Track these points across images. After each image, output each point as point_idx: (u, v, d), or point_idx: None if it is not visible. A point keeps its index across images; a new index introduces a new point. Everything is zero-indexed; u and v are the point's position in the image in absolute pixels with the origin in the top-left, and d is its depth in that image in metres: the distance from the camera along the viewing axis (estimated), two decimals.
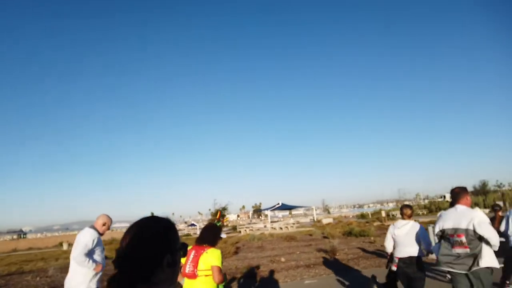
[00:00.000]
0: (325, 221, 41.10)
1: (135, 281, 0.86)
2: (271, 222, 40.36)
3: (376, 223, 29.61)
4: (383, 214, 31.21)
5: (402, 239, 4.43)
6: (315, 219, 44.66)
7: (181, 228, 56.98)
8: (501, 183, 54.41)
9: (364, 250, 12.48)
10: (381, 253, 10.99)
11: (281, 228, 33.94)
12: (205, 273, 2.92)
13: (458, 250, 3.54)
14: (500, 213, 6.60)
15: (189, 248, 2.92)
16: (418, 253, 4.36)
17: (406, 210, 4.70)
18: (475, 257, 3.45)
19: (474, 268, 3.43)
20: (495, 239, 3.40)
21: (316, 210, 67.56)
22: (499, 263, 3.72)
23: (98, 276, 3.95)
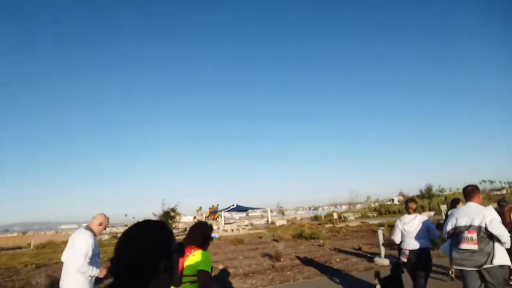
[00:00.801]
0: (279, 223, 40.70)
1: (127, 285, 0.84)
2: (225, 224, 38.98)
3: (328, 225, 29.64)
4: (335, 216, 31.18)
5: (411, 232, 4.54)
6: (269, 221, 44.14)
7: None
8: (443, 188, 58.48)
9: (311, 255, 11.67)
10: (329, 257, 10.36)
11: (232, 230, 32.82)
12: (190, 279, 2.52)
13: (465, 246, 3.57)
14: (506, 209, 6.42)
15: None
16: (426, 245, 4.52)
17: (411, 204, 4.80)
18: (488, 255, 3.47)
19: (486, 266, 3.47)
20: (506, 237, 3.42)
21: (272, 212, 67.45)
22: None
23: (93, 280, 3.71)
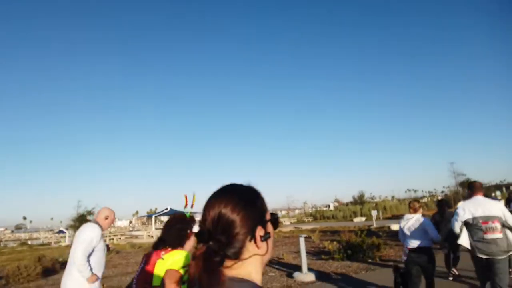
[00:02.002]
0: None
1: (225, 258, 0.75)
2: (157, 229, 36.72)
3: None
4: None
5: (409, 231, 4.55)
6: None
7: (48, 236, 48.42)
8: (373, 196, 61.72)
9: None
10: None
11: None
12: None
13: (491, 236, 3.70)
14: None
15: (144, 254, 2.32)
16: (426, 243, 4.48)
17: (413, 204, 4.85)
18: (508, 243, 3.69)
19: (509, 253, 3.73)
20: None
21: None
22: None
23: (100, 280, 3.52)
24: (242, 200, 0.81)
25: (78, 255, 3.29)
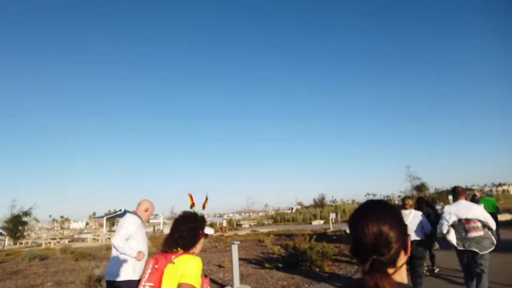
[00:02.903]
0: (167, 230, 36.56)
1: (387, 266, 0.91)
2: (109, 231, 34.77)
3: (217, 234, 27.04)
4: (224, 223, 28.57)
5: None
6: (156, 229, 39.86)
7: None
8: (335, 199, 62.33)
9: None
10: None
11: (108, 239, 27.74)
12: None
13: (474, 234, 4.29)
14: None
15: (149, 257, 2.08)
16: (420, 236, 4.99)
17: (407, 200, 5.40)
18: (490, 240, 4.29)
19: (490, 250, 4.28)
20: (494, 225, 4.41)
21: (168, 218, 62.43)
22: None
23: (141, 265, 3.50)
24: (396, 219, 0.95)
25: (116, 239, 3.43)
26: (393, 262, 0.91)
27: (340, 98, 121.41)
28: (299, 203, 69.27)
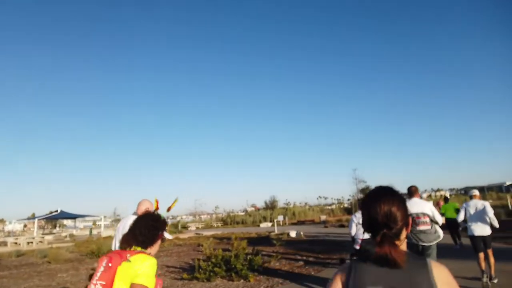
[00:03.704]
0: (106, 233, 34.00)
1: (394, 239, 1.15)
2: (43, 234, 34.07)
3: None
4: None
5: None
6: (92, 232, 37.09)
7: None
8: (288, 201, 62.67)
9: None
10: None
11: (31, 243, 25.00)
12: None
13: (423, 228, 4.96)
14: None
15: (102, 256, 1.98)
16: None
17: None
18: (435, 233, 5.00)
19: (436, 241, 4.98)
20: (441, 221, 5.09)
21: (106, 220, 58.85)
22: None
23: None
24: (401, 201, 1.22)
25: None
26: (397, 236, 1.17)
27: (292, 100, 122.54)
28: (253, 205, 68.84)
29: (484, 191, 57.75)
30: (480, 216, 6.19)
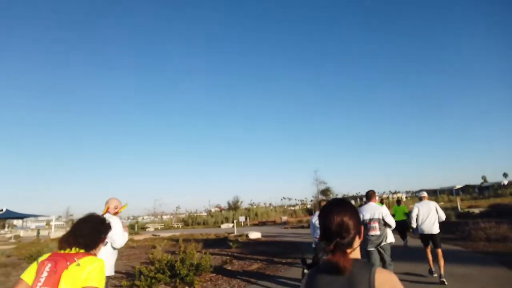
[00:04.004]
0: (56, 235, 31.77)
1: (346, 247, 1.24)
2: None
3: None
4: None
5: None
6: (39, 233, 34.67)
7: None
8: (253, 202, 62.44)
9: None
10: None
11: None
12: None
13: (372, 233, 5.27)
14: None
15: (41, 259, 1.82)
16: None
17: (323, 202, 6.64)
18: (385, 237, 5.35)
19: (382, 244, 5.32)
20: (393, 225, 5.41)
21: (60, 221, 55.47)
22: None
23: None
24: (353, 212, 1.31)
25: (120, 241, 3.94)
26: (350, 244, 1.26)
27: (259, 100, 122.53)
28: (218, 206, 67.73)
29: (437, 194, 61.29)
30: (429, 215, 6.63)
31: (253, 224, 36.95)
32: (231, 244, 13.67)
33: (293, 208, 62.24)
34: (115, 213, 4.10)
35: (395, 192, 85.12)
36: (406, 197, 74.01)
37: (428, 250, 6.69)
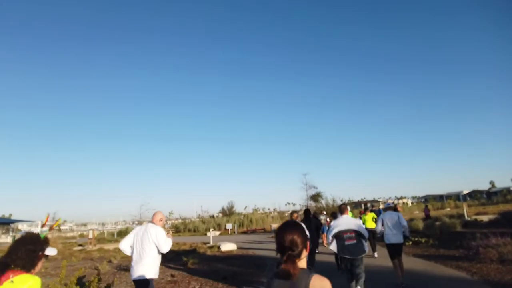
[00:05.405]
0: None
1: (296, 258, 1.61)
2: None
3: (79, 248, 21.74)
4: (90, 235, 23.13)
5: None
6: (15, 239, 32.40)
7: None
8: (258, 207, 59.80)
9: None
10: None
11: None
12: None
13: (350, 242, 5.56)
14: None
15: None
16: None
17: (294, 214, 8.10)
18: (362, 246, 5.59)
19: (362, 255, 5.58)
20: (366, 234, 5.73)
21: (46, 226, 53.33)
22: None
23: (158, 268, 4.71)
24: (301, 231, 1.69)
25: (166, 247, 4.59)
26: (299, 255, 1.63)
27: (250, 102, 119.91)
28: (205, 211, 64.65)
29: (443, 199, 58.28)
30: (395, 226, 6.81)
31: (242, 232, 34.34)
32: (186, 259, 11.27)
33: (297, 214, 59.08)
34: (161, 225, 4.77)
35: (401, 198, 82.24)
36: (412, 203, 71.63)
37: (395, 262, 6.77)
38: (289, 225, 1.73)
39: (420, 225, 17.63)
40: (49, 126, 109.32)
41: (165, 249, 4.52)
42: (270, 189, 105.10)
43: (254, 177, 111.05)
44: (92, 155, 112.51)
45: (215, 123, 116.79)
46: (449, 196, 60.57)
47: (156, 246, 4.50)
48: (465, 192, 62.26)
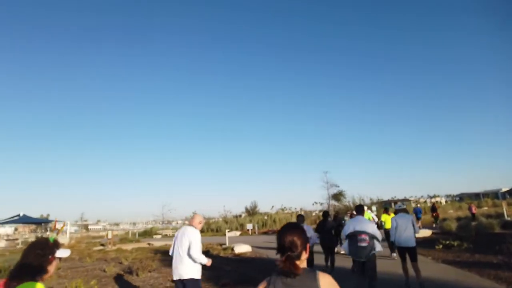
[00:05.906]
0: (64, 241, 30.28)
1: (295, 259, 1.63)
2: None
3: (100, 247, 21.78)
4: (109, 235, 23.09)
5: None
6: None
7: None
8: (285, 207, 59.12)
9: None
10: None
11: None
12: None
13: (363, 244, 5.58)
14: None
15: None
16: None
17: (300, 217, 8.34)
18: (371, 249, 5.60)
19: (371, 253, 5.60)
20: (380, 237, 5.71)
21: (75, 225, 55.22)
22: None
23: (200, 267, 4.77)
24: (301, 233, 1.71)
25: (197, 253, 4.54)
26: (298, 257, 1.66)
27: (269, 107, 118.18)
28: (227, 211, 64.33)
29: (480, 197, 54.68)
30: (406, 228, 6.69)
31: (263, 232, 33.50)
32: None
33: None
34: (200, 228, 4.93)
35: (434, 196, 78.49)
36: (446, 201, 67.98)
37: (405, 265, 6.77)
38: (289, 227, 1.77)
39: (453, 225, 16.14)
40: (87, 128, 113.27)
41: (195, 255, 4.52)
42: (297, 189, 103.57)
43: (280, 177, 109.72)
44: (126, 155, 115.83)
45: (241, 123, 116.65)
46: (486, 194, 56.84)
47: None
48: (504, 189, 57.98)
